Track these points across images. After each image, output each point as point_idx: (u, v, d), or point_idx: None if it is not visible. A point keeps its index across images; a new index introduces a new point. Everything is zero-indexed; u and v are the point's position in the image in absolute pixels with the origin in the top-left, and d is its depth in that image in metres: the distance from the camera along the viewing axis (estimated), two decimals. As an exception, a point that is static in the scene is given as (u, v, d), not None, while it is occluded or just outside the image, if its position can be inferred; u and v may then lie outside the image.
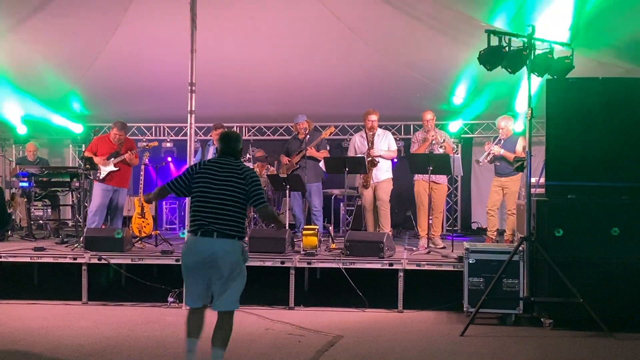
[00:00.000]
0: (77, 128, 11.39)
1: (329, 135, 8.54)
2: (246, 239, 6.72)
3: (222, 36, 7.96)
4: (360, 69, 8.93)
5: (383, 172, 8.00)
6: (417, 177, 7.90)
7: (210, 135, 9.16)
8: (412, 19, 7.32)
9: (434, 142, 7.75)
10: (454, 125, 10.68)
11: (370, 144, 7.93)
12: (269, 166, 9.93)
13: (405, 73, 8.81)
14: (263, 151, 10.31)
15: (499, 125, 7.99)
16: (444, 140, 7.86)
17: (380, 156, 7.90)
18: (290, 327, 5.73)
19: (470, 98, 9.66)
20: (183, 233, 6.99)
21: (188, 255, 4.07)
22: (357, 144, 8.18)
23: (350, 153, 8.24)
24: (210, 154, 8.72)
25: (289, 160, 8.66)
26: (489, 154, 7.87)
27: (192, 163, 6.70)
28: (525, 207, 5.97)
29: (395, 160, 8.61)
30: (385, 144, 8.03)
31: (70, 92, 9.81)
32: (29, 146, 9.96)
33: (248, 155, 9.15)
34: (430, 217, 7.83)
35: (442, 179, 7.92)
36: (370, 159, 7.85)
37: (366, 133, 8.06)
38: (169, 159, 8.56)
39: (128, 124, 8.77)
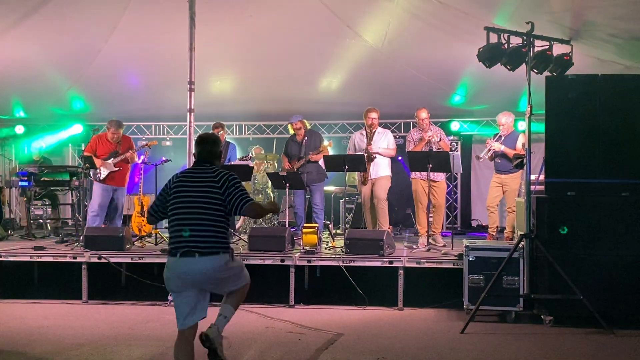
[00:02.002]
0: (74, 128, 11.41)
1: (325, 149, 8.49)
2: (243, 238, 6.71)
3: (221, 34, 7.95)
4: (360, 67, 8.92)
5: (381, 169, 7.99)
6: (414, 175, 7.88)
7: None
8: (412, 17, 7.31)
9: (432, 140, 7.73)
10: (454, 123, 10.68)
11: (369, 139, 7.92)
12: (269, 164, 9.93)
13: (405, 71, 8.80)
14: (261, 148, 10.31)
15: (500, 121, 7.99)
16: (440, 139, 7.83)
17: (378, 153, 7.89)
18: (291, 325, 5.73)
19: (471, 96, 9.66)
20: None
21: (171, 280, 3.77)
22: (357, 141, 8.18)
23: (350, 150, 8.24)
24: None
25: (290, 166, 8.63)
26: (489, 150, 7.86)
27: (192, 160, 6.74)
28: (525, 205, 5.97)
29: (400, 157, 8.59)
30: (385, 142, 8.02)
31: (70, 90, 9.80)
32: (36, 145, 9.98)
33: (250, 155, 9.14)
34: (431, 215, 7.83)
35: (440, 176, 7.91)
36: (367, 154, 7.84)
37: (366, 130, 8.06)
38: (163, 158, 8.56)
39: (127, 123, 8.76)
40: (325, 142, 8.75)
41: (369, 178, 7.95)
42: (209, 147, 3.97)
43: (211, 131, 8.96)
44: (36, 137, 11.43)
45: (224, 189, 3.77)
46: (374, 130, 7.96)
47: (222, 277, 3.84)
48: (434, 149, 7.69)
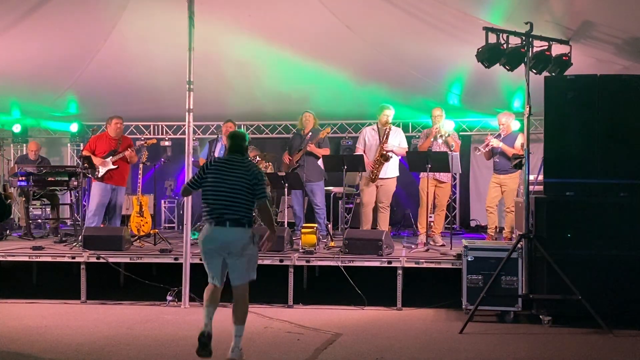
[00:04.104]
0: (73, 126, 11.36)
1: (324, 136, 8.48)
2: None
3: (220, 34, 7.94)
4: (358, 67, 8.91)
5: (391, 169, 7.96)
6: (423, 175, 7.84)
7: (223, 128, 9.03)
8: (410, 17, 7.31)
9: (438, 135, 7.73)
10: (452, 123, 10.66)
11: (385, 137, 7.82)
12: (268, 164, 9.93)
13: (403, 71, 8.80)
14: (258, 150, 10.29)
15: (500, 121, 7.98)
16: (449, 135, 7.80)
17: (392, 151, 7.85)
18: (289, 325, 5.73)
19: (469, 96, 9.65)
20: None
21: (205, 242, 4.57)
22: (367, 137, 8.07)
23: (360, 145, 8.14)
24: (218, 149, 8.71)
25: (289, 160, 8.64)
26: (487, 144, 7.88)
27: (191, 160, 6.73)
28: (523, 205, 5.97)
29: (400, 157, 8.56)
30: (397, 140, 7.98)
31: (68, 90, 9.79)
32: (31, 145, 9.91)
33: (255, 156, 9.10)
34: (431, 215, 7.84)
35: (447, 177, 7.91)
36: (384, 152, 7.75)
37: (378, 127, 8.02)
38: (165, 158, 8.55)
39: (126, 123, 8.76)
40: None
41: (378, 177, 7.87)
42: (239, 141, 4.78)
43: (222, 125, 8.97)
44: (35, 136, 11.43)
45: (252, 179, 4.56)
46: (388, 129, 7.88)
47: (242, 253, 4.51)
48: (436, 146, 7.69)
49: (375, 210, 8.05)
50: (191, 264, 6.43)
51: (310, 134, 8.43)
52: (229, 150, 4.82)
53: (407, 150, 8.14)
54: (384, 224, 7.94)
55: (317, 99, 9.72)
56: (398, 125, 10.92)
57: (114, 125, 8.15)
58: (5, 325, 5.70)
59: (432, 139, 7.78)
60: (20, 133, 11.23)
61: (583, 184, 5.82)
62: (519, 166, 7.27)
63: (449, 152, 7.55)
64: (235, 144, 4.78)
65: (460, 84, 9.30)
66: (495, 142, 7.81)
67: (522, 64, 5.85)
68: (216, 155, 8.63)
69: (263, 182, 4.64)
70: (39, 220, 10.05)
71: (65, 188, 8.76)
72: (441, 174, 7.74)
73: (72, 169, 8.84)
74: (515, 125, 8.31)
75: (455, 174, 10.40)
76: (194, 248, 7.03)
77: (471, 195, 11.25)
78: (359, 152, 8.12)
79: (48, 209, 9.57)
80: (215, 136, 9.00)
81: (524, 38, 5.79)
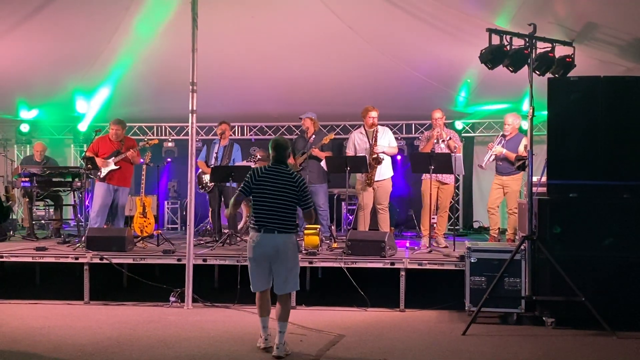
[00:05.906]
0: (80, 125, 11.37)
1: (328, 141, 8.45)
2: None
3: (223, 35, 7.96)
4: (362, 68, 8.91)
5: (386, 170, 7.95)
6: (425, 176, 7.85)
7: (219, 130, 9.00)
8: (413, 18, 7.32)
9: (440, 139, 7.73)
10: (456, 124, 10.67)
11: (374, 140, 7.82)
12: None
13: (406, 72, 8.80)
14: (263, 151, 10.31)
15: (506, 121, 7.94)
16: (450, 138, 7.80)
17: (384, 152, 7.84)
18: (292, 327, 5.71)
19: (473, 97, 9.65)
20: None
21: (255, 249, 4.83)
22: (356, 141, 8.05)
23: (350, 150, 8.13)
24: (217, 151, 8.69)
25: (293, 162, 8.63)
26: (490, 155, 7.85)
27: (194, 161, 6.73)
28: (526, 206, 5.97)
29: (399, 157, 8.53)
30: (386, 140, 7.96)
31: (72, 92, 9.81)
32: (37, 146, 9.92)
33: (258, 156, 9.11)
34: (434, 217, 7.81)
35: (449, 178, 7.90)
36: (375, 156, 7.75)
37: (366, 130, 8.01)
38: (169, 159, 8.54)
39: (129, 124, 8.75)
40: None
41: (374, 180, 7.88)
42: (282, 151, 4.97)
43: (217, 126, 8.93)
44: (38, 137, 11.45)
45: (299, 190, 4.88)
46: (375, 130, 7.88)
47: (287, 258, 4.83)
48: (438, 148, 7.69)
49: (375, 212, 8.03)
50: (194, 265, 6.43)
51: (313, 136, 8.42)
52: (273, 161, 4.96)
53: (397, 148, 8.14)
54: (385, 225, 7.92)
55: (320, 100, 9.73)
56: (401, 127, 10.99)
57: (111, 132, 8.18)
58: (9, 326, 5.71)
59: (434, 141, 7.76)
60: (27, 133, 11.25)
61: (586, 186, 5.81)
62: (522, 168, 7.27)
63: (452, 154, 7.53)
64: (279, 154, 4.95)
65: (466, 86, 9.30)
66: (498, 150, 7.78)
67: (526, 66, 5.84)
68: (215, 155, 8.64)
69: (309, 193, 4.99)
70: (42, 221, 10.06)
71: (69, 189, 8.78)
72: (444, 175, 7.73)
73: (75, 170, 8.84)
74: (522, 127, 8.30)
75: (458, 175, 10.40)
76: (197, 249, 7.07)
77: (474, 196, 11.24)
78: None
79: (51, 210, 9.58)
80: (217, 137, 8.98)
81: (527, 39, 5.78)
